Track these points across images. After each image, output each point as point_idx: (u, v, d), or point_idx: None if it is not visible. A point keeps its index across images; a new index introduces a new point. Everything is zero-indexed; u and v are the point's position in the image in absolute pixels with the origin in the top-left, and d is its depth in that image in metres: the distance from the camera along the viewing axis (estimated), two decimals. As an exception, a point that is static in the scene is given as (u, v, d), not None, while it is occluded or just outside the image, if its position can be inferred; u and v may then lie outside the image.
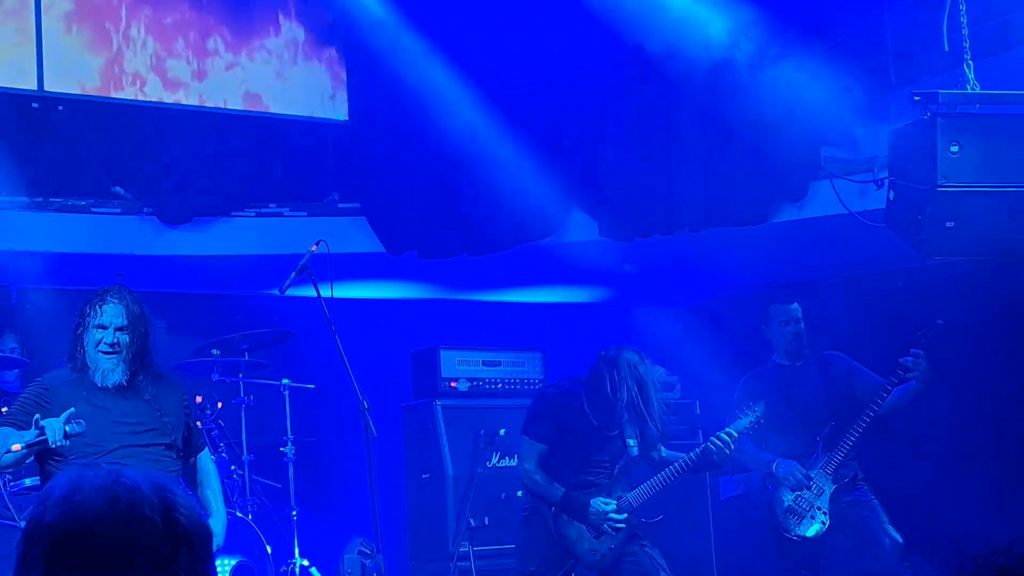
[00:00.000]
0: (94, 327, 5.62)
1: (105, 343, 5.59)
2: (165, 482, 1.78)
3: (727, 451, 6.93)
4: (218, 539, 5.84)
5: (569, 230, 8.69)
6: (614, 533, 6.96)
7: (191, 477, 5.98)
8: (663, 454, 7.22)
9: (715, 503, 9.32)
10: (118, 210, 8.34)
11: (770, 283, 8.85)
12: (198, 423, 6.54)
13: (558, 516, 6.97)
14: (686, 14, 8.07)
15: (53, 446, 5.32)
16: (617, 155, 8.41)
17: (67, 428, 5.29)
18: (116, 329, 5.62)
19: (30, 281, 8.97)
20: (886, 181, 6.64)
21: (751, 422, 7.12)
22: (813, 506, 7.50)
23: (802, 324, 7.88)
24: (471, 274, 9.41)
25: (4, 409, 7.40)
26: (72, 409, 5.37)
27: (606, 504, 6.94)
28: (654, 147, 8.35)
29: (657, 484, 7.03)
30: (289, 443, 8.21)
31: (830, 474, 7.50)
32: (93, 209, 8.29)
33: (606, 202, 8.53)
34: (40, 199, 8.13)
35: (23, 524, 1.74)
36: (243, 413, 8.12)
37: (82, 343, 5.64)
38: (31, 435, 5.30)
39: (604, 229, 8.57)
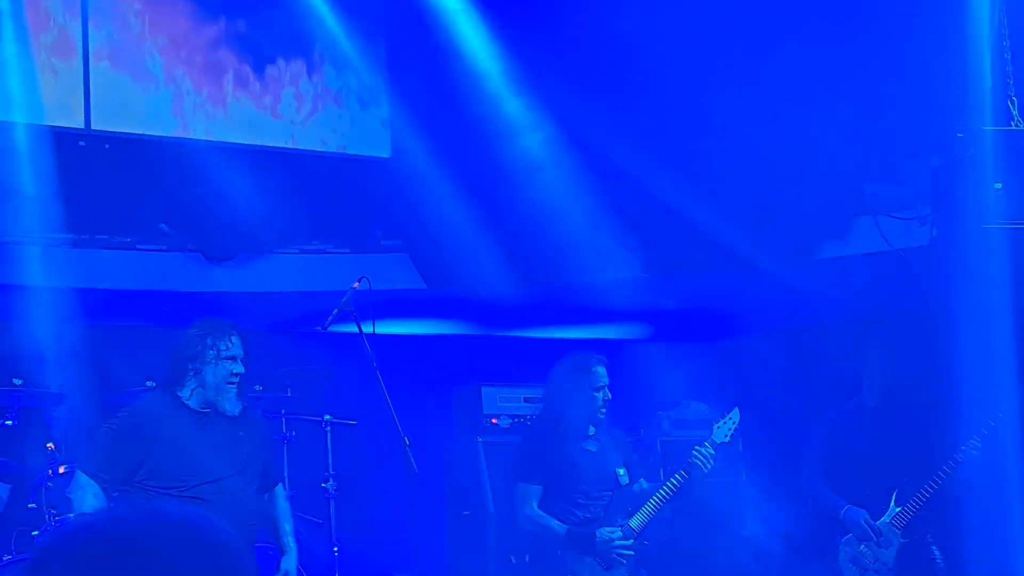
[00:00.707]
0: (225, 359, 5.76)
1: (234, 374, 5.77)
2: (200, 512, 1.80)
3: (709, 464, 6.92)
4: None
5: (610, 266, 8.69)
6: (624, 562, 6.94)
7: (267, 511, 6.03)
8: (644, 486, 7.22)
9: (746, 538, 9.24)
10: (163, 247, 8.41)
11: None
12: None
13: (564, 555, 6.94)
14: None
15: None
16: (659, 190, 8.40)
17: None
18: (239, 360, 5.82)
19: (76, 318, 9.04)
20: (929, 218, 6.63)
21: (729, 430, 7.09)
22: (878, 560, 7.41)
23: (894, 367, 7.76)
24: (512, 310, 9.42)
25: (50, 445, 7.48)
26: None
27: (612, 533, 6.93)
28: (697, 183, 8.35)
29: (654, 507, 7.01)
30: (330, 479, 8.23)
31: (899, 528, 7.41)
32: (138, 246, 8.37)
33: (647, 239, 8.53)
34: (86, 236, 8.20)
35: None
36: (285, 449, 8.15)
37: (201, 374, 5.75)
38: None
39: (644, 265, 8.57)
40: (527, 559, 8.12)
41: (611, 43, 8.44)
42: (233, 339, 5.83)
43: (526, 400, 9.16)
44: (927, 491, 7.29)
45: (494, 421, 9.02)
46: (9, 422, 7.16)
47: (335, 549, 8.02)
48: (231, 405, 5.78)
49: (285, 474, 8.17)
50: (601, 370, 7.08)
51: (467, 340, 10.24)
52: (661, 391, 9.47)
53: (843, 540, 7.54)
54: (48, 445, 7.49)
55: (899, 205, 8.22)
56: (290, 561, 5.97)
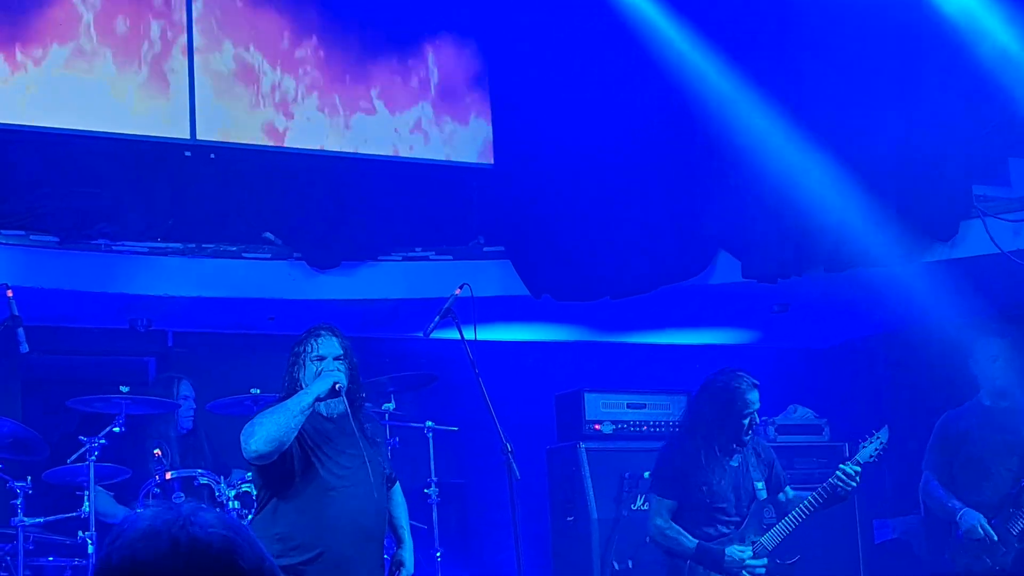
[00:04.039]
0: (311, 360, 5.83)
1: (327, 371, 5.79)
2: (234, 532, 1.82)
3: (852, 484, 6.74)
4: (408, 569, 6.03)
5: (714, 271, 8.65)
6: None
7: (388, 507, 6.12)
8: (789, 496, 7.08)
9: (867, 547, 9.15)
10: (268, 255, 8.51)
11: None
12: None
13: (693, 569, 6.85)
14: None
15: (340, 391, 5.67)
16: (761, 192, 8.34)
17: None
18: (334, 358, 5.84)
19: (184, 325, 9.20)
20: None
21: (876, 450, 6.87)
22: (995, 565, 7.27)
23: (1010, 361, 7.62)
24: (616, 316, 9.41)
25: (157, 452, 7.61)
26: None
27: (742, 552, 6.81)
28: (799, 185, 8.28)
29: (789, 525, 6.88)
30: (433, 485, 8.27)
31: (1016, 533, 7.27)
32: (244, 254, 8.47)
33: (749, 243, 8.47)
34: (193, 245, 8.33)
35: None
36: (388, 454, 8.18)
37: (299, 380, 5.82)
38: (319, 388, 5.64)
39: (747, 270, 8.51)
40: (630, 565, 8.11)
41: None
42: (319, 340, 5.88)
43: (629, 406, 9.14)
44: None
45: (597, 427, 9.01)
46: (117, 429, 7.27)
47: (438, 554, 8.05)
48: (327, 407, 5.83)
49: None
50: (754, 395, 6.86)
51: (569, 346, 10.25)
52: (766, 397, 9.39)
53: (959, 544, 7.41)
54: (155, 452, 7.62)
55: (1008, 207, 8.09)
56: (406, 552, 6.06)
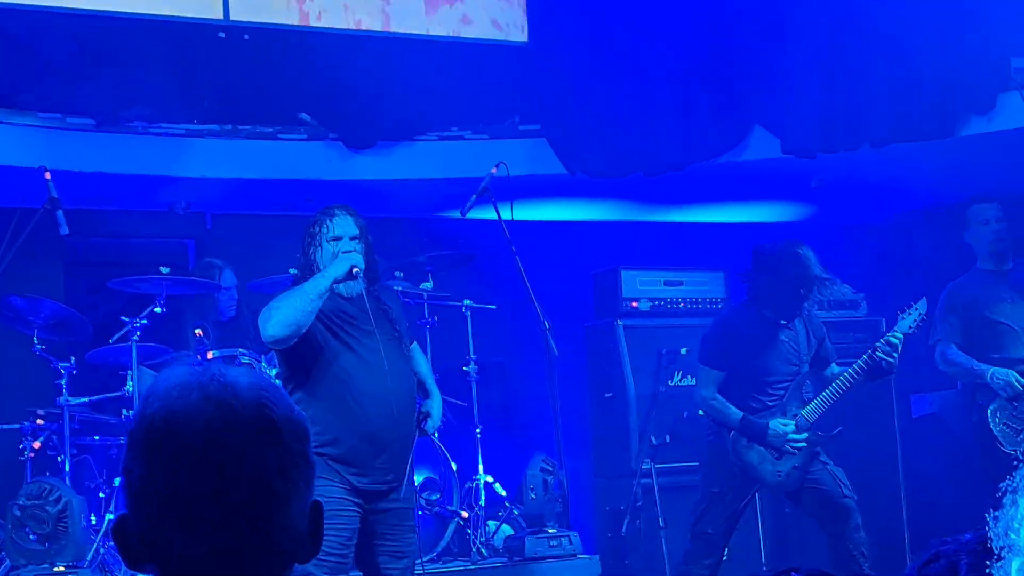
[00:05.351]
0: (328, 241, 5.84)
1: (343, 252, 5.79)
2: (263, 382, 1.86)
3: (894, 355, 6.78)
4: (435, 420, 6.09)
5: (750, 147, 8.60)
6: (796, 452, 6.93)
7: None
8: (834, 370, 7.14)
9: (903, 422, 9.20)
10: (304, 136, 8.50)
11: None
12: None
13: (737, 440, 6.94)
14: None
15: (357, 275, 5.71)
16: (800, 68, 8.27)
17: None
18: (351, 238, 5.85)
19: (222, 207, 9.24)
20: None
21: (915, 321, 6.92)
22: None
23: (1004, 224, 7.65)
24: (654, 193, 9.39)
25: (198, 332, 7.69)
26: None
27: (785, 425, 6.89)
28: (838, 60, 8.20)
29: (830, 397, 6.95)
30: (472, 363, 8.34)
31: None
32: (280, 136, 8.47)
33: (789, 117, 8.40)
34: (229, 126, 8.33)
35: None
36: (427, 334, 8.26)
37: (315, 261, 5.83)
38: (336, 271, 5.69)
39: (787, 145, 8.46)
40: (667, 439, 8.20)
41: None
42: (335, 220, 5.87)
43: (666, 283, 9.17)
44: None
45: (634, 304, 9.05)
46: (159, 310, 7.35)
47: (478, 431, 8.15)
48: (346, 287, 5.83)
49: (428, 357, 8.31)
50: (818, 266, 6.97)
51: (607, 225, 10.25)
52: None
53: (993, 406, 7.43)
54: (196, 332, 7.71)
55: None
56: (434, 403, 6.12)
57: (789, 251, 6.98)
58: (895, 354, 6.78)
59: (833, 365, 7.17)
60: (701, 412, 7.26)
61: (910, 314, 6.93)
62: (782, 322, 7.01)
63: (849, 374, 6.91)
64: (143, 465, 1.78)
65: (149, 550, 1.79)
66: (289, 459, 1.82)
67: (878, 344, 6.84)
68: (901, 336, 6.82)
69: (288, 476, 1.82)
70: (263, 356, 7.40)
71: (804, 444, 6.90)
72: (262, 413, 1.80)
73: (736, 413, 6.91)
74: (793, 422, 6.90)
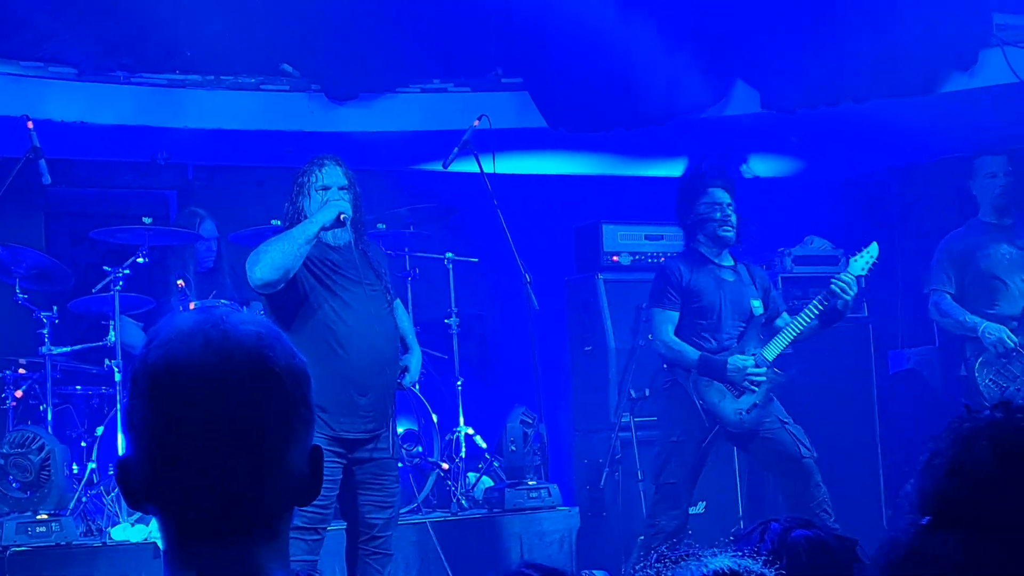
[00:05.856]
0: (316, 190, 5.91)
1: (331, 201, 5.85)
2: (265, 328, 1.88)
3: (849, 293, 6.81)
4: (413, 375, 6.16)
5: (730, 102, 8.61)
6: (755, 390, 6.94)
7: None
8: (786, 319, 7.17)
9: (880, 377, 9.25)
10: (286, 87, 8.49)
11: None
12: None
13: (697, 379, 6.97)
14: None
15: (344, 222, 5.80)
16: (783, 23, 8.27)
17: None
18: (339, 188, 5.91)
19: (203, 158, 9.22)
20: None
21: (866, 263, 6.97)
22: (1019, 377, 7.32)
23: (1012, 179, 7.67)
24: (636, 147, 9.39)
25: (181, 283, 7.69)
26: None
27: (744, 360, 6.93)
28: (821, 15, 8.20)
29: (788, 334, 6.98)
30: (453, 315, 8.36)
31: None
32: (262, 87, 8.45)
33: (769, 72, 8.41)
34: (211, 77, 8.31)
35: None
36: (409, 286, 8.29)
37: (303, 209, 5.89)
38: (324, 217, 5.76)
39: (767, 100, 8.47)
40: (646, 393, 8.23)
41: None
42: (324, 169, 5.95)
43: (647, 237, 9.18)
44: None
45: (615, 259, 9.06)
46: (141, 259, 7.35)
47: (459, 383, 8.18)
48: (333, 236, 5.90)
49: (409, 310, 8.33)
50: (717, 193, 7.08)
51: (588, 180, 10.26)
52: (783, 228, 9.44)
53: (980, 360, 7.47)
54: (179, 283, 7.72)
55: (1029, 36, 8.01)
56: (413, 358, 6.19)
57: (684, 173, 7.13)
58: (849, 292, 6.80)
59: (784, 315, 7.20)
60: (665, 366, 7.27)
61: (862, 256, 6.99)
62: (724, 264, 7.07)
63: (804, 315, 6.93)
64: (144, 409, 1.81)
65: (150, 491, 1.83)
66: (289, 406, 1.86)
67: (833, 279, 6.86)
68: (852, 276, 6.85)
69: (288, 422, 1.85)
70: (243, 308, 7.42)
71: (764, 379, 6.91)
72: (262, 362, 1.83)
73: (694, 352, 6.94)
74: (752, 358, 6.93)
